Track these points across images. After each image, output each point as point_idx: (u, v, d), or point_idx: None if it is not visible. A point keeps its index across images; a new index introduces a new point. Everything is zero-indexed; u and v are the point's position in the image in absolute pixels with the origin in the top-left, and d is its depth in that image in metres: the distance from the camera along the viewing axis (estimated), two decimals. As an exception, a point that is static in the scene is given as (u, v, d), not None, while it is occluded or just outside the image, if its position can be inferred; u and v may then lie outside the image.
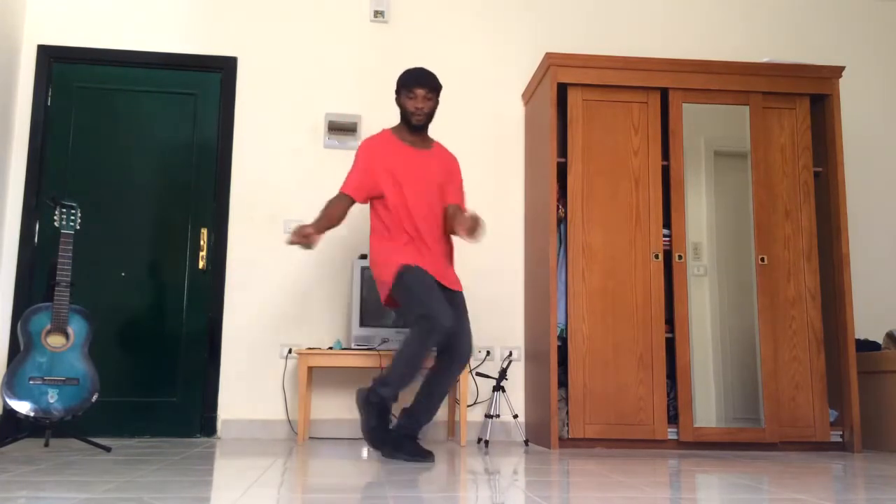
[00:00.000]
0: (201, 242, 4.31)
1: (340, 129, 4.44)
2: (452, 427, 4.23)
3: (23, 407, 3.29)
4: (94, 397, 3.40)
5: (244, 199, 4.36)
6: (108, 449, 3.38)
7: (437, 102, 3.44)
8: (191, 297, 4.26)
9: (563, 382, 3.95)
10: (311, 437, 4.16)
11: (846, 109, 4.83)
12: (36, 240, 4.20)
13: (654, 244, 3.98)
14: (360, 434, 4.18)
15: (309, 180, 4.40)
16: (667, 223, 4.07)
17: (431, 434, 4.25)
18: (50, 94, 4.32)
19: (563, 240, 4.02)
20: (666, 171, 4.10)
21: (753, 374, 3.92)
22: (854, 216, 4.73)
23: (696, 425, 3.85)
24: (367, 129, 4.45)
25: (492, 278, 4.44)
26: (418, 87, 3.37)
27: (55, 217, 3.45)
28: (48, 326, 3.40)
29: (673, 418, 3.93)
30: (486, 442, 3.95)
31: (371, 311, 4.00)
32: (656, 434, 3.82)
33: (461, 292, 3.45)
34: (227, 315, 4.25)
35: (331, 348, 4.00)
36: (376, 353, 3.87)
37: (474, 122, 4.56)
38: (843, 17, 4.93)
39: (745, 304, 3.98)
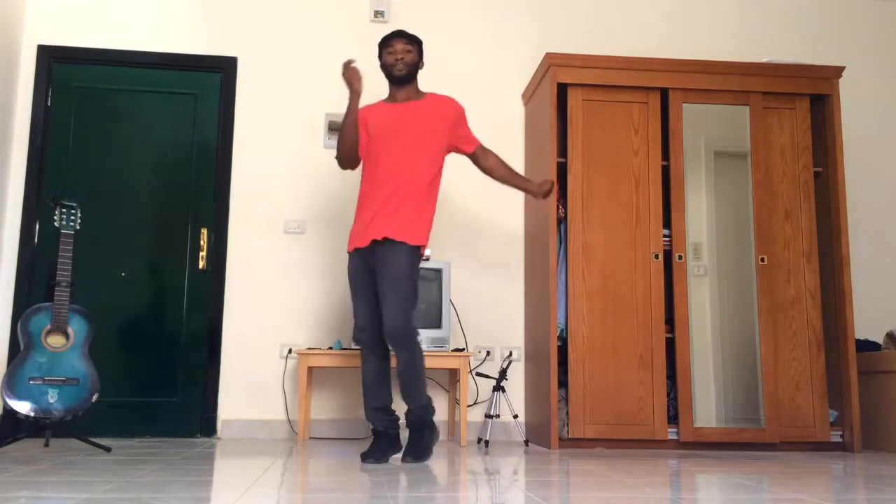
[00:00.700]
0: (201, 242, 4.30)
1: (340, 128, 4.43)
2: (452, 427, 4.23)
3: (23, 407, 3.29)
4: (94, 397, 3.40)
5: (244, 199, 4.36)
6: (108, 449, 3.38)
7: (418, 56, 3.36)
8: (191, 297, 4.26)
9: (563, 382, 3.95)
10: (311, 437, 4.16)
11: (846, 109, 4.83)
12: (36, 240, 4.20)
13: (654, 244, 3.98)
14: (360, 434, 4.19)
15: (309, 180, 4.40)
16: (667, 223, 4.07)
17: (431, 434, 4.25)
18: (50, 94, 4.32)
19: (563, 240, 4.02)
20: (666, 171, 4.10)
21: (753, 375, 3.92)
22: (854, 216, 4.73)
23: (696, 425, 3.85)
24: (367, 129, 4.45)
25: (492, 278, 4.43)
26: (396, 39, 3.34)
27: (55, 217, 3.45)
28: (48, 326, 3.40)
29: (673, 418, 3.93)
30: (486, 442, 3.95)
31: (371, 311, 3.99)
32: (656, 434, 3.82)
33: (393, 243, 3.14)
34: (227, 315, 4.25)
35: (331, 348, 4.00)
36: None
37: (474, 122, 4.55)
38: (843, 17, 4.93)
39: (745, 305, 3.98)
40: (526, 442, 4.05)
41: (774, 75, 4.13)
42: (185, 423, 4.17)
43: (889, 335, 4.23)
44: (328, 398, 4.24)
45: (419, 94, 3.40)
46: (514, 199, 4.51)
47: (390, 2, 4.60)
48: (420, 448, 3.17)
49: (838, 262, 4.06)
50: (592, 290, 3.92)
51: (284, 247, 4.34)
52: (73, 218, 3.48)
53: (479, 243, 4.46)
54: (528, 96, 4.47)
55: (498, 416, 4.27)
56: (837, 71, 4.17)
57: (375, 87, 4.50)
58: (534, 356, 4.14)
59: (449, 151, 3.40)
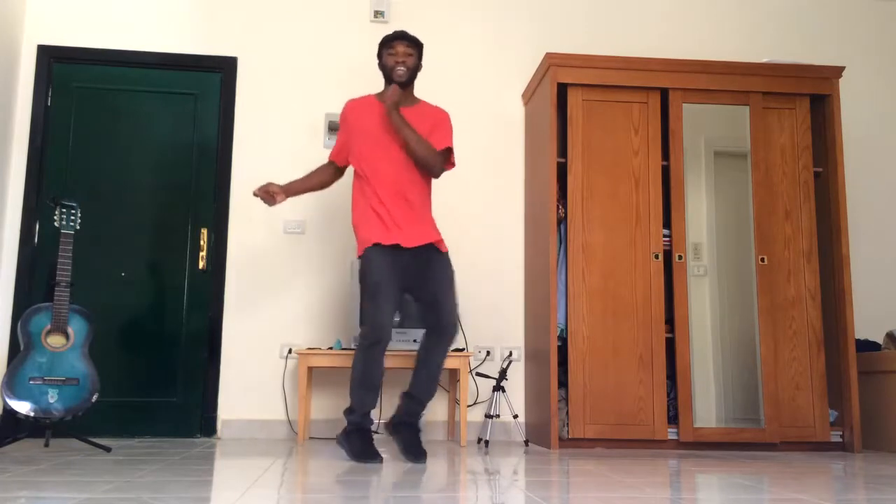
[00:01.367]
0: (201, 242, 4.31)
1: (340, 129, 4.43)
2: (452, 427, 4.23)
3: (23, 407, 3.29)
4: (94, 397, 3.40)
5: (244, 199, 4.36)
6: (108, 449, 3.38)
7: (418, 60, 3.37)
8: (191, 297, 4.26)
9: (563, 382, 3.95)
10: (311, 438, 4.16)
11: (846, 109, 4.83)
12: (36, 240, 4.20)
13: (654, 244, 3.98)
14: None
15: (309, 180, 4.39)
16: (667, 223, 4.07)
17: (432, 434, 4.25)
18: (50, 94, 4.32)
19: (563, 240, 4.02)
20: (666, 171, 4.10)
21: (753, 375, 3.92)
22: (854, 216, 4.73)
23: (696, 425, 3.85)
24: (367, 129, 4.45)
25: (492, 278, 4.44)
26: (398, 41, 3.32)
27: (55, 217, 3.45)
28: (48, 326, 3.40)
29: (673, 418, 3.93)
30: (486, 442, 3.95)
31: (371, 311, 3.99)
32: (656, 434, 3.82)
33: (440, 251, 3.30)
34: (227, 315, 4.25)
35: (331, 348, 4.00)
36: (376, 353, 3.87)
37: (474, 122, 4.56)
38: (843, 17, 4.93)
39: (745, 305, 3.98)
40: (526, 442, 4.05)
41: (774, 75, 4.13)
42: (185, 423, 4.17)
43: (889, 335, 4.23)
44: (328, 398, 4.24)
45: (414, 100, 3.42)
46: (514, 199, 4.51)
47: (390, 2, 4.60)
48: (421, 447, 3.20)
49: (838, 262, 4.06)
50: (592, 290, 3.92)
51: (284, 247, 4.34)
52: (73, 218, 3.48)
53: (479, 243, 4.46)
54: (528, 96, 4.47)
55: (498, 416, 4.27)
56: (837, 71, 4.17)
57: (374, 89, 4.50)
58: (534, 356, 4.15)
59: None
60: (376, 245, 3.21)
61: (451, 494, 2.31)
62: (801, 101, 4.19)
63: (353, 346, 3.94)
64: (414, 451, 3.15)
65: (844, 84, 4.84)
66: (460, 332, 4.33)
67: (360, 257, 3.25)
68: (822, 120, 4.23)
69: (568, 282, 3.93)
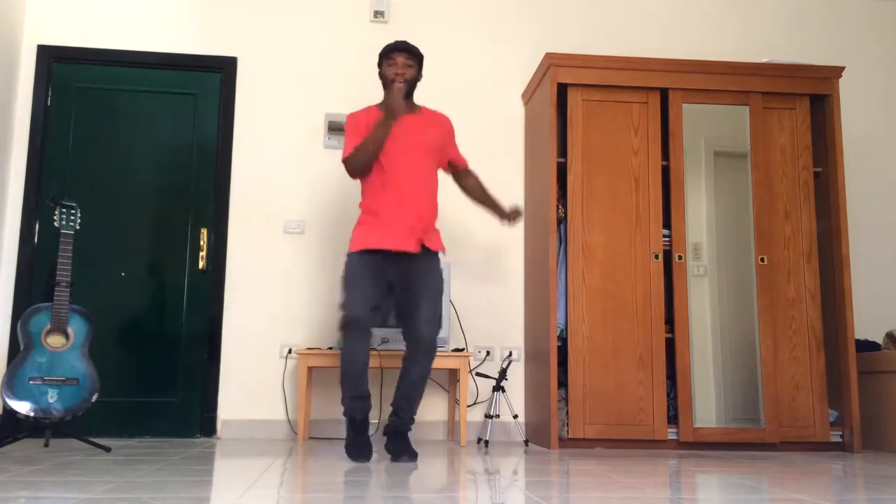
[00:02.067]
0: (201, 242, 4.31)
1: (340, 129, 4.44)
2: (452, 427, 4.23)
3: (23, 407, 3.29)
4: (94, 397, 3.40)
5: (244, 199, 4.36)
6: (108, 449, 3.38)
7: (418, 72, 3.37)
8: (191, 297, 4.26)
9: (563, 383, 3.95)
10: (310, 438, 4.16)
11: (846, 109, 4.83)
12: (36, 240, 4.20)
13: (654, 244, 3.98)
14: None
15: (309, 180, 4.40)
16: (667, 223, 4.07)
17: (431, 434, 4.25)
18: (50, 94, 4.32)
19: (563, 240, 4.02)
20: (666, 171, 4.10)
21: (753, 375, 3.92)
22: (854, 216, 4.73)
23: (695, 425, 3.85)
24: (367, 129, 4.45)
25: (492, 278, 4.43)
26: (397, 52, 3.32)
27: (55, 217, 3.45)
28: (48, 326, 3.40)
29: (673, 418, 3.93)
30: (486, 442, 3.95)
31: (371, 311, 3.99)
32: (656, 434, 3.82)
33: (432, 257, 3.33)
34: (227, 315, 4.25)
35: (331, 348, 4.00)
36: (376, 353, 3.87)
37: (474, 122, 4.56)
38: (843, 17, 4.93)
39: (745, 305, 3.98)
40: (526, 442, 4.05)
41: (774, 75, 4.13)
42: (184, 423, 4.17)
43: (889, 335, 4.23)
44: (328, 398, 4.24)
45: (415, 107, 3.44)
46: (514, 199, 4.51)
47: (390, 2, 4.60)
48: (411, 447, 3.22)
49: (838, 262, 4.06)
50: (592, 291, 3.92)
51: (284, 247, 4.34)
52: (73, 218, 3.48)
53: (479, 243, 4.46)
54: (528, 96, 4.47)
55: (498, 416, 4.27)
56: (837, 71, 4.17)
57: (374, 89, 4.50)
58: (534, 356, 4.15)
59: (440, 166, 3.51)
60: (374, 250, 3.24)
61: (450, 494, 2.31)
62: (801, 101, 4.19)
63: (353, 346, 3.93)
64: (407, 451, 3.18)
65: (844, 84, 4.84)
66: (453, 332, 4.33)
67: (346, 261, 3.28)
68: (822, 120, 4.22)
69: (568, 282, 3.93)
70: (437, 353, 3.87)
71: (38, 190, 4.23)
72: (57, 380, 3.35)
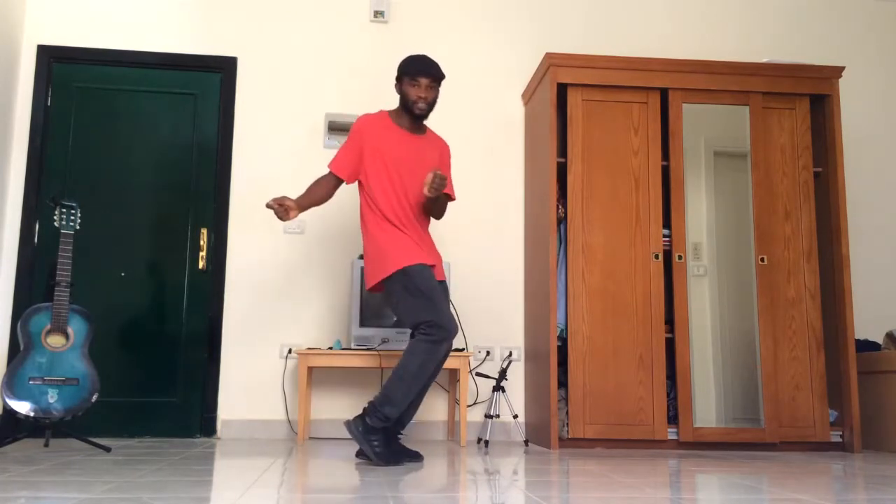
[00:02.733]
0: (201, 242, 4.31)
1: (340, 129, 4.44)
2: (452, 427, 4.23)
3: (23, 407, 3.29)
4: (94, 397, 3.40)
5: (244, 199, 4.36)
6: (108, 449, 3.38)
7: (438, 93, 3.34)
8: (191, 297, 4.26)
9: (563, 382, 3.95)
10: (311, 437, 4.16)
11: (846, 109, 4.83)
12: (36, 240, 4.20)
13: (654, 244, 3.98)
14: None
15: (309, 181, 4.39)
16: (667, 223, 4.07)
17: (431, 434, 4.25)
18: (50, 94, 4.32)
19: (563, 240, 4.02)
20: (666, 171, 4.10)
21: (753, 375, 3.92)
22: (854, 216, 4.73)
23: (695, 425, 3.85)
24: (367, 129, 4.45)
25: (492, 278, 4.43)
26: (423, 76, 3.25)
27: (55, 217, 3.45)
28: (48, 326, 3.40)
29: (673, 418, 3.93)
30: (486, 442, 3.95)
31: (371, 311, 4.00)
32: (656, 434, 3.82)
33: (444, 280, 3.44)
34: (227, 315, 4.25)
35: (331, 348, 4.00)
36: (376, 353, 3.87)
37: (474, 122, 4.56)
38: (843, 17, 4.93)
39: (745, 304, 3.98)
40: (526, 442, 4.05)
41: (774, 75, 4.13)
42: (184, 423, 4.17)
43: (889, 335, 4.23)
44: (328, 398, 4.24)
45: (423, 127, 3.44)
46: (514, 200, 4.51)
47: (390, 2, 4.60)
48: (403, 450, 3.25)
49: (838, 262, 4.06)
50: (592, 291, 3.92)
51: (284, 247, 4.34)
52: (73, 218, 3.48)
53: (479, 244, 4.46)
54: (528, 96, 4.47)
55: (498, 416, 4.27)
56: (837, 71, 4.17)
57: (374, 89, 4.50)
58: (533, 356, 4.15)
59: None
60: (424, 264, 3.20)
61: (450, 494, 2.31)
62: (801, 101, 4.19)
63: (353, 347, 3.93)
64: (408, 455, 3.18)
65: (844, 84, 4.84)
66: (460, 332, 4.33)
67: (398, 272, 3.14)
68: (822, 120, 4.22)
69: (568, 282, 3.93)
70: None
71: (38, 190, 4.23)
72: (57, 380, 3.35)
